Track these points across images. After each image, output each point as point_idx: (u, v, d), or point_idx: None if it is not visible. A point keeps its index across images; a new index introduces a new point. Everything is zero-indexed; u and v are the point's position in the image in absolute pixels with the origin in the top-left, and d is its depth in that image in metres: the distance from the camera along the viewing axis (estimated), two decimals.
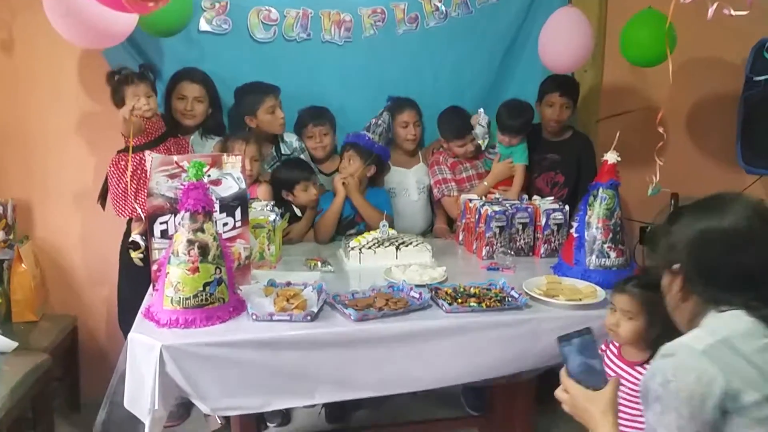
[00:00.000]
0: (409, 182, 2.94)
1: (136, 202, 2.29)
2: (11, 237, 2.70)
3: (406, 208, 2.93)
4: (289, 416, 2.87)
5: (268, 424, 2.80)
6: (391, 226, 2.59)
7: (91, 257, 2.98)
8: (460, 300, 1.94)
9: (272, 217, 2.30)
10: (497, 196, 2.73)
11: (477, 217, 2.48)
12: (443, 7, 2.92)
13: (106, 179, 2.45)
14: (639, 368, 1.76)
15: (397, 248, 2.37)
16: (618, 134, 2.12)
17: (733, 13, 1.73)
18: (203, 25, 2.75)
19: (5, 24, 2.74)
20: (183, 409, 2.82)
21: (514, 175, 2.83)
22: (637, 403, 1.68)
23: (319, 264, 2.31)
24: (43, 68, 2.81)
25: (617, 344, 1.84)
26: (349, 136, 2.81)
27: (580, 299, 1.95)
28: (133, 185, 2.31)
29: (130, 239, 2.37)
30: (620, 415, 1.67)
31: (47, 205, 2.93)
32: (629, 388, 1.74)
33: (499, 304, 1.93)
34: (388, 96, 2.90)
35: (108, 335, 3.01)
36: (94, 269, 2.99)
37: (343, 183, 2.69)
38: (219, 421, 2.60)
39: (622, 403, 1.70)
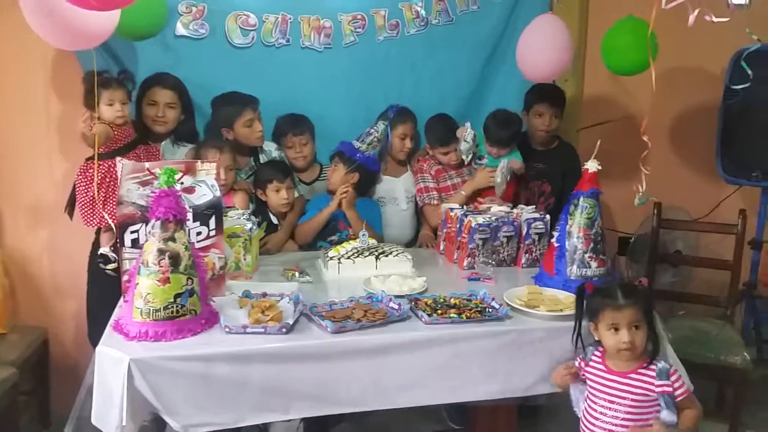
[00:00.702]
0: (398, 191, 2.91)
1: (104, 211, 2.22)
2: None
3: (395, 217, 2.89)
4: (267, 431, 2.79)
5: None
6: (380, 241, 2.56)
7: (63, 268, 2.90)
8: (440, 311, 1.90)
9: (248, 226, 2.24)
10: (486, 206, 2.65)
11: (458, 226, 2.45)
12: (424, 13, 2.90)
13: (74, 188, 2.37)
14: (634, 375, 1.76)
15: (377, 258, 2.32)
16: (598, 143, 2.10)
17: (714, 19, 1.72)
18: (180, 30, 2.69)
19: None
20: (158, 424, 2.73)
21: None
22: (640, 408, 1.73)
23: (297, 274, 2.26)
24: (12, 74, 2.74)
25: (599, 358, 1.81)
26: (338, 144, 2.77)
27: (561, 310, 1.92)
28: (102, 194, 2.25)
29: (99, 252, 2.31)
30: (624, 423, 1.71)
31: (16, 214, 2.86)
32: (632, 399, 1.74)
33: (479, 315, 1.89)
34: (390, 105, 2.84)
35: (80, 348, 2.91)
36: (65, 280, 2.90)
37: (343, 194, 2.66)
38: None
39: (630, 410, 1.73)
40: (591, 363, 1.82)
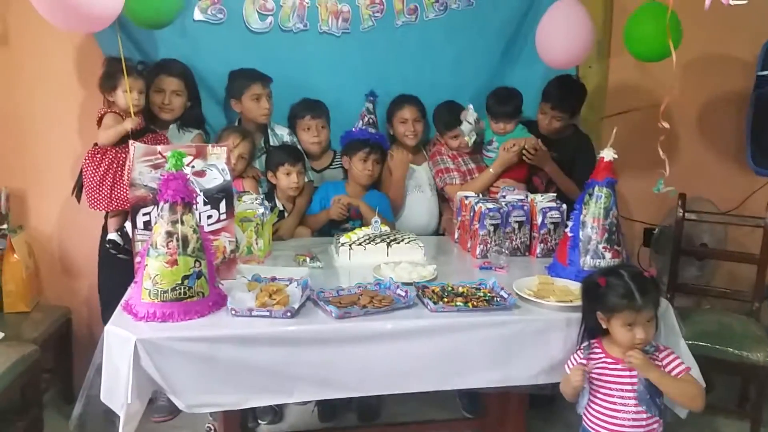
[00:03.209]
0: (421, 178, 2.90)
1: (113, 196, 2.27)
2: (4, 227, 2.70)
3: (421, 204, 2.88)
4: (282, 414, 2.83)
5: (260, 421, 2.76)
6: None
7: (86, 248, 2.94)
8: (446, 299, 1.89)
9: (260, 210, 2.25)
10: (503, 191, 2.61)
11: (471, 214, 2.42)
12: None
13: (81, 172, 2.42)
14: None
15: (389, 245, 2.32)
16: (615, 131, 2.04)
17: (731, 2, 1.64)
18: (197, 15, 2.71)
19: None
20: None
21: (537, 160, 2.72)
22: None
23: (308, 260, 2.27)
24: (37, 58, 2.79)
25: (599, 348, 1.78)
26: (349, 135, 2.77)
27: (571, 301, 1.88)
28: (110, 179, 2.29)
29: (108, 238, 2.35)
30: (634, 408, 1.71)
31: (42, 195, 2.93)
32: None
33: (486, 304, 1.87)
34: (370, 91, 2.83)
35: (102, 327, 2.98)
36: (88, 260, 2.94)
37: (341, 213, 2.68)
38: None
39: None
40: (592, 356, 1.78)
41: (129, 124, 2.34)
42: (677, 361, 1.73)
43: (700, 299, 3.16)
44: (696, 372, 1.80)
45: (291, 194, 2.68)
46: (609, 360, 1.76)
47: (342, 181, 2.80)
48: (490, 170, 2.77)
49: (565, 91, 2.76)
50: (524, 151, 2.70)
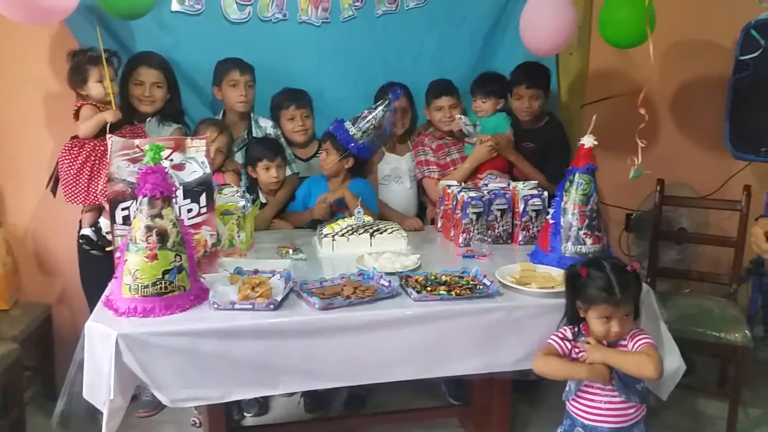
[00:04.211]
0: (402, 170, 2.89)
1: (90, 190, 2.24)
2: None
3: (399, 195, 2.87)
4: (267, 406, 2.82)
5: (245, 414, 2.76)
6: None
7: (65, 244, 2.88)
8: (429, 288, 1.89)
9: (241, 203, 2.24)
10: (486, 179, 2.61)
11: (454, 203, 2.42)
12: None
13: (57, 165, 2.38)
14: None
15: (372, 235, 2.31)
16: (594, 117, 2.05)
17: None
18: (175, 6, 2.67)
19: None
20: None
21: (500, 149, 2.72)
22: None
23: (291, 252, 2.26)
24: (11, 52, 2.74)
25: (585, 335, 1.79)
26: (332, 124, 2.73)
27: (553, 287, 1.89)
28: (87, 173, 2.26)
29: (81, 233, 2.32)
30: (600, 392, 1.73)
31: (19, 190, 2.88)
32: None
33: (469, 292, 1.88)
34: (390, 87, 2.75)
35: (84, 324, 2.96)
36: (68, 256, 2.90)
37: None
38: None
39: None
40: (577, 347, 1.77)
41: (109, 117, 2.30)
42: (643, 339, 1.72)
43: (680, 283, 3.20)
44: (676, 354, 1.82)
45: (272, 188, 2.67)
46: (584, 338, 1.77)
47: (323, 176, 2.75)
48: (465, 164, 2.77)
49: (531, 69, 2.79)
50: (492, 140, 2.70)
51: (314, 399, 2.79)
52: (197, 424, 2.62)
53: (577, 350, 1.77)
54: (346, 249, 2.27)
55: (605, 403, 1.75)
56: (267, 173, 2.62)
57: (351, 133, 2.59)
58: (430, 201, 2.90)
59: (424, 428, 2.65)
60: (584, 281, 1.72)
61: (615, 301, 1.68)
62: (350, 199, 2.58)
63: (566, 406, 1.85)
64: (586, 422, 1.78)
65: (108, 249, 2.21)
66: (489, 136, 2.71)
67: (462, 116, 2.76)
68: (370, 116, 2.60)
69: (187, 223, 1.96)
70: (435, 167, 2.82)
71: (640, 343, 1.72)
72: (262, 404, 2.80)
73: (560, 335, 1.79)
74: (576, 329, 1.79)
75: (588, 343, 1.74)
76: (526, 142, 2.82)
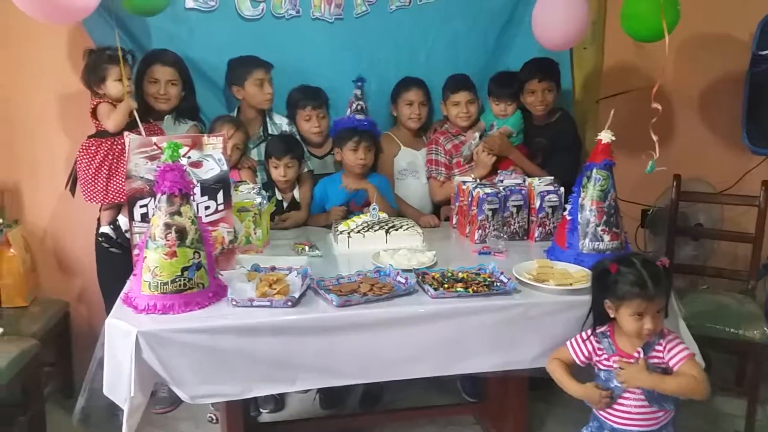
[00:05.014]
0: (419, 164, 2.89)
1: (108, 188, 2.26)
2: (0, 221, 2.68)
3: (416, 190, 2.87)
4: (283, 402, 2.83)
5: (261, 410, 2.77)
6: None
7: (83, 241, 2.91)
8: (446, 285, 1.89)
9: (258, 200, 2.24)
10: (501, 175, 2.59)
11: (470, 200, 2.42)
12: None
13: (75, 165, 2.40)
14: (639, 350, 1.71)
15: (387, 232, 2.31)
16: (612, 113, 2.04)
17: None
18: (189, 2, 2.67)
19: None
20: (176, 394, 2.78)
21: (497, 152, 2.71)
22: None
23: (307, 248, 2.26)
24: (28, 51, 2.76)
25: (609, 340, 1.77)
26: (353, 123, 2.71)
27: (571, 284, 1.88)
28: (105, 171, 2.27)
29: (101, 231, 2.34)
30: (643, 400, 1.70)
31: (37, 189, 2.91)
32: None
33: (486, 289, 1.87)
34: (357, 76, 2.79)
35: (101, 320, 2.93)
36: (85, 254, 2.92)
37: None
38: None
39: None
40: (600, 350, 1.76)
41: (134, 103, 2.33)
42: (679, 348, 1.69)
43: (696, 279, 3.18)
44: (696, 352, 1.80)
45: (282, 186, 2.67)
46: (617, 358, 1.73)
47: (337, 174, 2.75)
48: (472, 176, 2.73)
49: (541, 63, 2.78)
50: (485, 147, 2.70)
51: (329, 396, 2.80)
52: (214, 420, 2.64)
53: (599, 353, 1.74)
54: (361, 246, 2.27)
55: (635, 407, 1.71)
56: (276, 171, 2.62)
57: (354, 116, 2.71)
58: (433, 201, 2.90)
59: (439, 425, 2.65)
60: (614, 278, 1.69)
61: (649, 296, 1.64)
62: (378, 197, 2.58)
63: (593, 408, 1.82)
64: (615, 425, 1.75)
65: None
66: (481, 145, 2.70)
67: (473, 140, 2.73)
68: (353, 97, 2.74)
69: (204, 220, 1.96)
70: (443, 169, 2.81)
71: (679, 357, 1.67)
72: (278, 401, 2.81)
73: (582, 337, 1.77)
74: (600, 331, 1.76)
75: (621, 368, 1.69)
76: (537, 138, 2.81)
